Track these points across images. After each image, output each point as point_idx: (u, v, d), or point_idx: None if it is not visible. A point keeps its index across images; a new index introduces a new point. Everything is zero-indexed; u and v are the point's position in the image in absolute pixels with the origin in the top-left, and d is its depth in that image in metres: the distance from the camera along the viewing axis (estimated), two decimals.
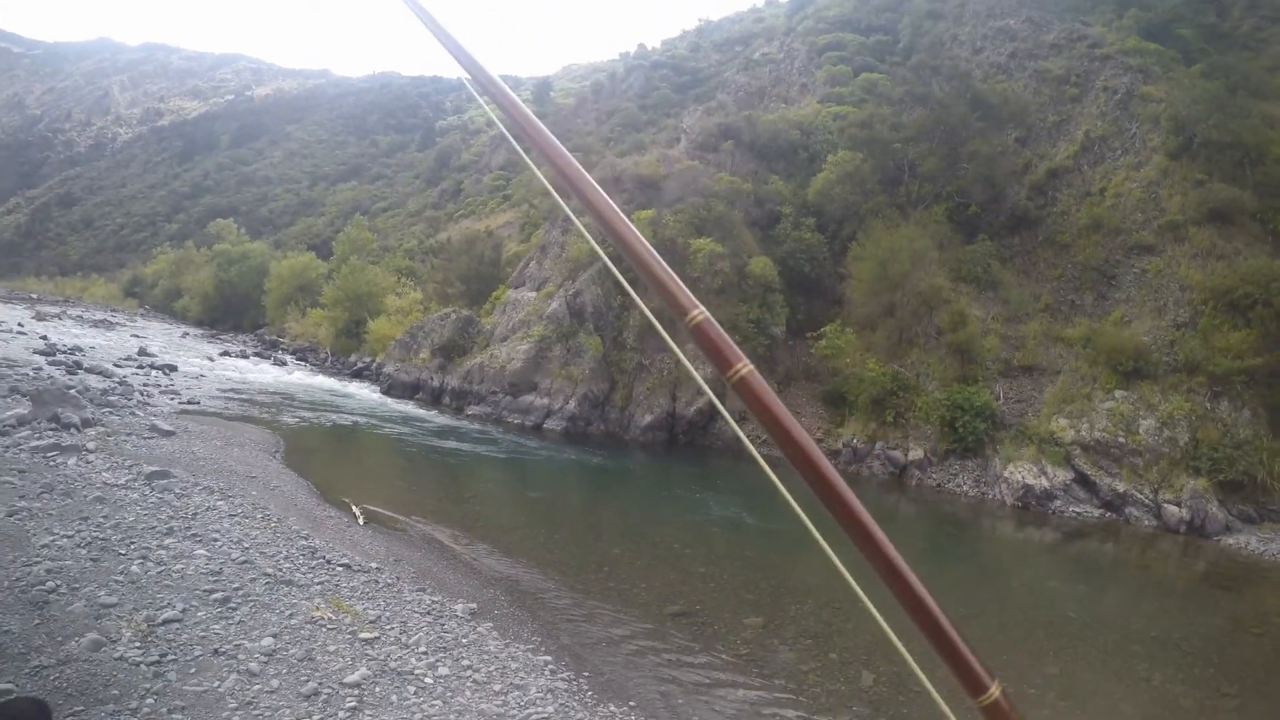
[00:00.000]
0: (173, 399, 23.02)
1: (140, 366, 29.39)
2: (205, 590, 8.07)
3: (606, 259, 1.69)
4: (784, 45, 61.52)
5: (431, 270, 50.95)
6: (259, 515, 11.44)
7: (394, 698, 6.75)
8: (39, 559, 7.89)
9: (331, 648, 7.39)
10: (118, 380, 24.03)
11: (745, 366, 1.27)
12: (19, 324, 37.61)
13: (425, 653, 7.90)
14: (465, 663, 7.90)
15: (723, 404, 1.59)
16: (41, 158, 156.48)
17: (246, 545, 9.80)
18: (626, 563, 13.80)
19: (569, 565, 13.16)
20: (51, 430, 14.12)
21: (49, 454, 12.26)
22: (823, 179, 35.15)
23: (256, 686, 6.40)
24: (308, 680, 6.66)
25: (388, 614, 8.75)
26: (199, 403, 23.32)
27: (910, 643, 1.30)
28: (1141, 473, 22.29)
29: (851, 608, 10.95)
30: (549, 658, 8.87)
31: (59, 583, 7.43)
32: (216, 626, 7.32)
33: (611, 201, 1.43)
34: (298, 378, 36.21)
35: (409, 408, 30.37)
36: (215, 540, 9.74)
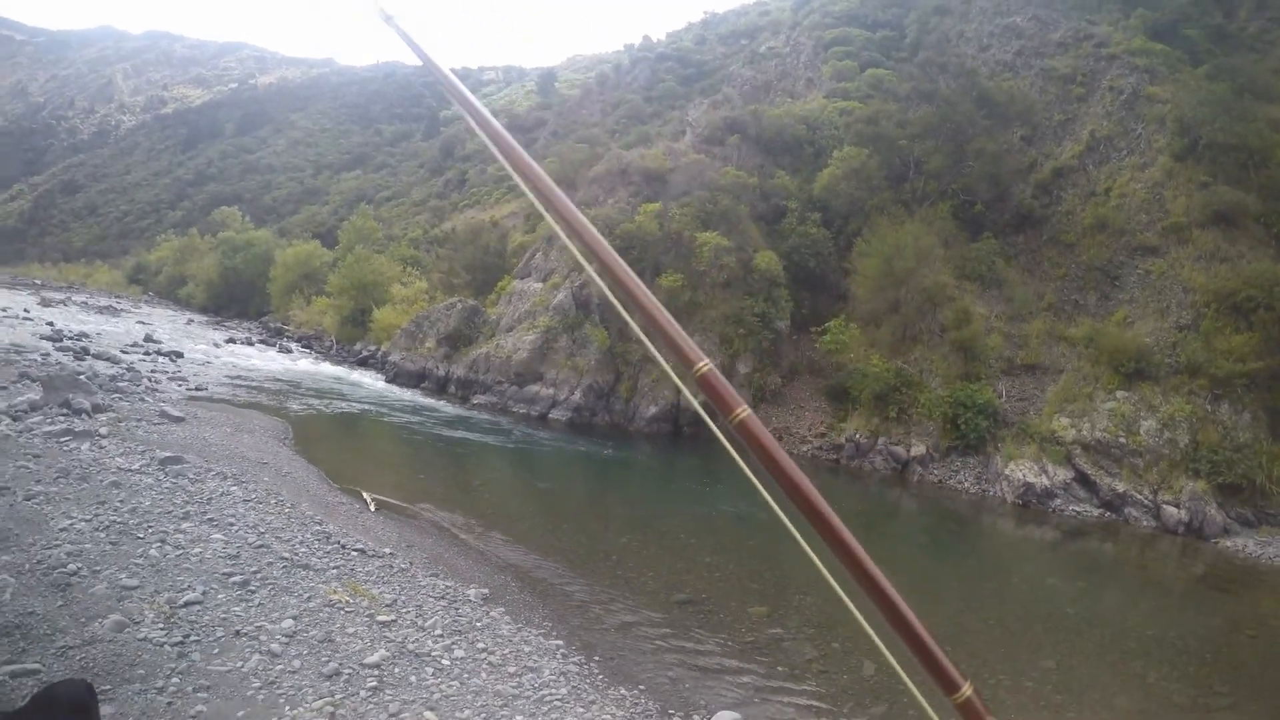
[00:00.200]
0: (180, 385, 23.13)
1: (147, 353, 29.49)
2: (224, 573, 8.24)
3: (595, 275, 1.80)
4: (790, 39, 61.51)
5: (436, 260, 50.97)
6: (272, 501, 11.62)
7: (413, 678, 6.94)
8: (59, 542, 8.03)
9: (350, 630, 7.58)
10: (125, 366, 24.13)
11: (745, 410, 1.40)
12: (25, 310, 37.71)
13: (441, 635, 8.09)
14: (480, 646, 8.09)
15: (710, 417, 1.75)
16: (45, 145, 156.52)
17: (262, 530, 9.97)
18: (634, 552, 14.00)
19: (577, 553, 13.36)
20: (63, 416, 14.22)
21: (62, 439, 12.39)
22: (828, 174, 35.21)
23: (279, 667, 6.57)
24: (329, 661, 6.84)
25: (403, 598, 8.94)
26: (206, 389, 23.47)
27: (889, 640, 1.43)
28: (1141, 473, 22.43)
29: (853, 599, 11.11)
30: (560, 642, 9.07)
31: (80, 565, 7.58)
32: (237, 609, 7.49)
33: (627, 266, 1.55)
34: (303, 365, 36.37)
35: (415, 396, 30.54)
36: (231, 525, 9.91)
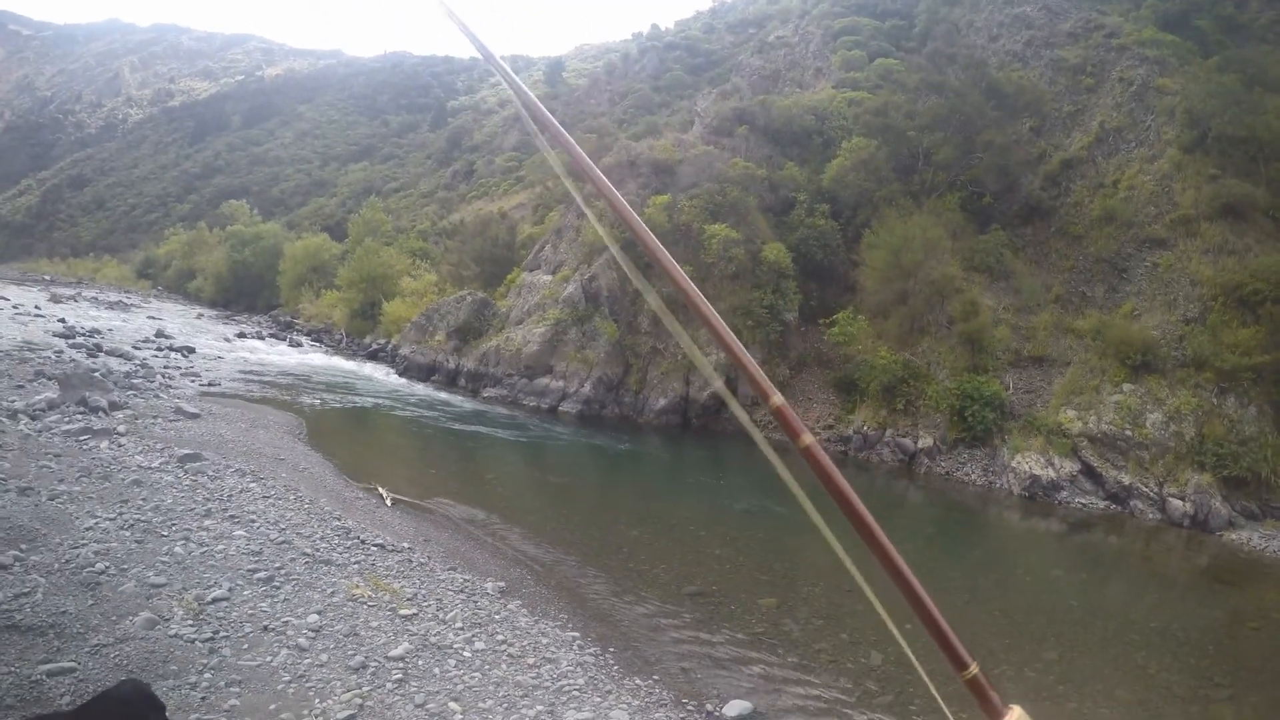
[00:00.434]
0: (193, 381, 23.38)
1: (159, 349, 29.77)
2: (249, 570, 8.47)
3: (616, 250, 2.00)
4: (798, 28, 61.30)
5: (445, 252, 51.15)
6: (291, 497, 11.85)
7: (436, 670, 7.17)
8: (85, 541, 8.24)
9: (374, 623, 7.81)
10: (139, 363, 24.39)
11: (809, 437, 1.54)
12: (36, 306, 38.05)
13: (461, 628, 8.32)
14: (499, 638, 8.32)
15: (731, 392, 1.98)
16: (52, 139, 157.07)
17: (283, 526, 10.20)
18: (645, 544, 14.21)
19: (590, 546, 13.58)
20: (80, 414, 14.39)
21: (81, 438, 12.59)
22: (837, 165, 35.20)
23: (307, 660, 6.80)
24: (354, 654, 7.07)
25: (423, 592, 9.17)
26: (219, 385, 23.71)
27: (905, 629, 1.62)
28: (1147, 466, 22.52)
29: (860, 591, 11.30)
30: (576, 633, 9.30)
31: (108, 564, 7.78)
32: (263, 604, 7.72)
33: (700, 292, 1.70)
34: (314, 359, 36.66)
35: (425, 390, 30.78)
36: (253, 521, 10.14)
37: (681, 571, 12.77)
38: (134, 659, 6.24)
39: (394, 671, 6.93)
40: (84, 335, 28.63)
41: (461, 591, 9.57)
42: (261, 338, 43.28)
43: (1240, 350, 22.86)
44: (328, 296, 51.26)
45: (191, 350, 30.73)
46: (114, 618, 6.82)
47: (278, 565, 8.76)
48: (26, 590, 6.82)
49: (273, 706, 6.03)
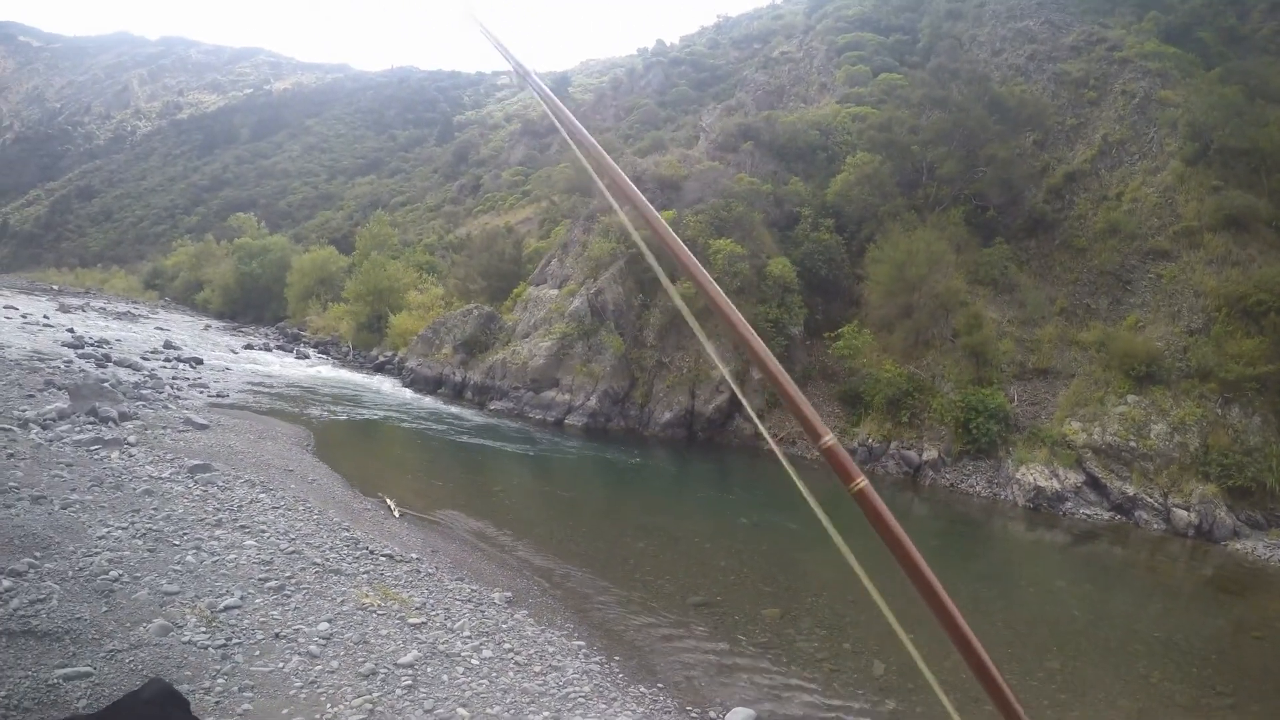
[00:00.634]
0: (202, 392, 23.52)
1: (167, 359, 29.93)
2: (259, 579, 8.59)
3: (644, 246, 2.05)
4: (803, 44, 61.63)
5: (452, 266, 51.33)
6: (301, 508, 11.98)
7: (444, 677, 7.28)
8: (98, 549, 8.35)
9: (383, 632, 7.93)
10: (147, 373, 24.53)
11: (863, 481, 1.54)
12: (45, 316, 38.22)
13: (469, 637, 8.43)
14: (506, 646, 8.44)
15: (745, 398, 2.09)
16: (61, 150, 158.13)
17: (293, 536, 10.33)
18: (650, 556, 14.29)
19: (595, 557, 13.67)
20: (90, 424, 14.54)
21: (92, 448, 12.71)
22: (841, 180, 35.37)
23: (318, 667, 6.92)
24: (365, 661, 7.19)
25: (431, 601, 9.29)
26: (228, 396, 23.86)
27: (917, 638, 1.65)
28: (1152, 477, 22.56)
29: (864, 602, 11.40)
30: (582, 642, 9.41)
31: (121, 572, 7.89)
32: (274, 612, 7.83)
33: (752, 329, 1.70)
34: (321, 371, 36.81)
35: (432, 402, 30.89)
36: (263, 531, 10.27)
37: (686, 583, 12.85)
38: (149, 664, 6.35)
39: (403, 678, 7.05)
40: (93, 345, 28.72)
41: (469, 601, 9.69)
42: (269, 349, 43.44)
43: (1244, 361, 22.94)
44: (335, 309, 51.41)
45: (200, 361, 30.89)
46: (128, 624, 6.92)
47: (288, 574, 8.88)
48: (42, 596, 6.94)
49: (285, 711, 6.15)
